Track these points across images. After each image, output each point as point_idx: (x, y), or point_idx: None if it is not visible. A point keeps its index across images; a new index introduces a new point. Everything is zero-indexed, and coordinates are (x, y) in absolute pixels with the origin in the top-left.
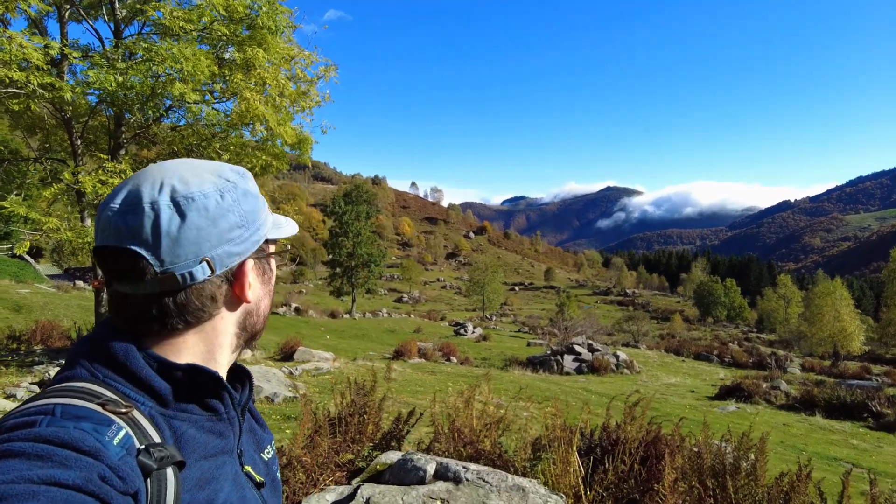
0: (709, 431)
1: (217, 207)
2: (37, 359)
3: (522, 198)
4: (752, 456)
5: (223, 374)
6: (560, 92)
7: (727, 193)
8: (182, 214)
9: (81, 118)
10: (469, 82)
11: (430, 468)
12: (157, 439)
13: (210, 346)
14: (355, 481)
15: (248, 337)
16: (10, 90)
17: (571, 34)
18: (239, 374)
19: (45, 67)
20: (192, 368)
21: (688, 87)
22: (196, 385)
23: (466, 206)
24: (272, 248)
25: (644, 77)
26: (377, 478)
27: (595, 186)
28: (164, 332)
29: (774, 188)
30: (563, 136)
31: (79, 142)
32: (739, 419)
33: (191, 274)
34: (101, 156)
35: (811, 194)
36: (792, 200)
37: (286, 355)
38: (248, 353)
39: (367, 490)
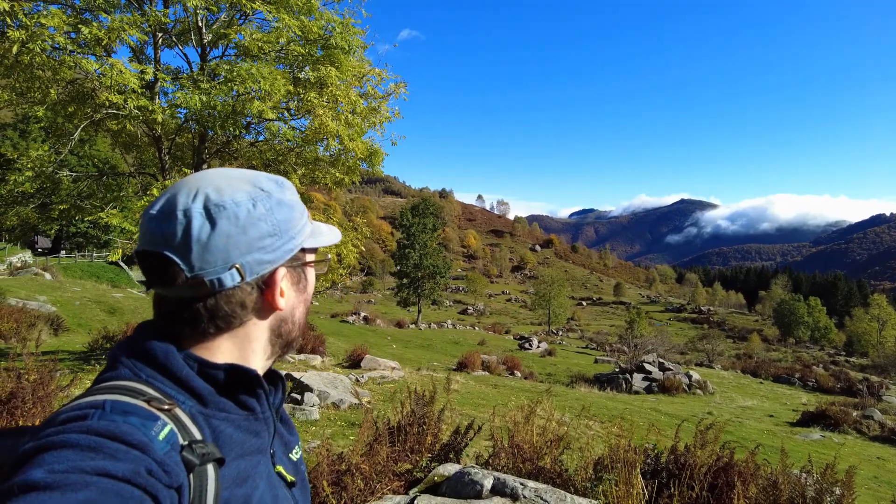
0: (787, 460)
1: (248, 216)
2: None
3: (591, 210)
4: (838, 490)
5: None
6: (631, 103)
7: (808, 207)
8: (213, 222)
9: (169, 136)
10: (538, 96)
11: (488, 483)
12: (198, 436)
13: (244, 351)
14: (412, 491)
15: (284, 344)
16: (110, 112)
17: (643, 49)
18: (272, 377)
19: (139, 91)
20: (231, 368)
21: (766, 94)
22: (234, 384)
23: (533, 218)
24: (310, 257)
25: (718, 85)
26: (434, 489)
27: (668, 199)
28: (197, 335)
29: (864, 201)
30: (634, 147)
31: (166, 157)
32: (824, 449)
33: (220, 280)
34: (186, 171)
35: None
36: (887, 214)
37: (354, 363)
38: (318, 360)
39: (424, 501)
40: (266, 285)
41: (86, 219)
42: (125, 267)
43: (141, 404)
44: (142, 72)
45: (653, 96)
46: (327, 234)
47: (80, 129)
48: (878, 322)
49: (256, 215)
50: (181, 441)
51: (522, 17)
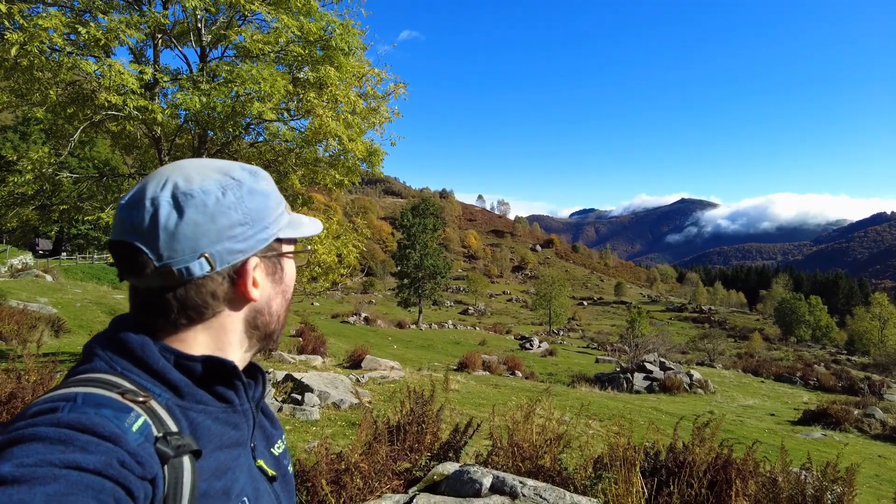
0: (788, 458)
1: (217, 204)
2: None
3: (592, 210)
4: (839, 488)
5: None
6: (631, 102)
7: (809, 206)
8: (180, 210)
9: (169, 137)
10: (538, 95)
11: (487, 482)
12: (174, 428)
13: (219, 343)
14: (412, 490)
15: (262, 336)
16: (109, 113)
17: (643, 49)
18: (252, 370)
19: (139, 91)
20: (208, 360)
21: (766, 93)
22: (211, 376)
23: (533, 218)
24: (286, 248)
25: (718, 84)
26: (433, 488)
27: (668, 199)
28: (170, 326)
29: (865, 200)
30: (634, 146)
31: (166, 159)
32: (825, 447)
33: (188, 269)
34: None
35: None
36: (888, 212)
37: (354, 363)
38: (318, 360)
39: (423, 500)
40: (238, 275)
41: (86, 219)
42: None
43: (114, 396)
44: (141, 72)
45: (653, 95)
46: (307, 225)
47: (79, 131)
48: (880, 321)
49: (226, 204)
50: (155, 433)
51: (522, 17)
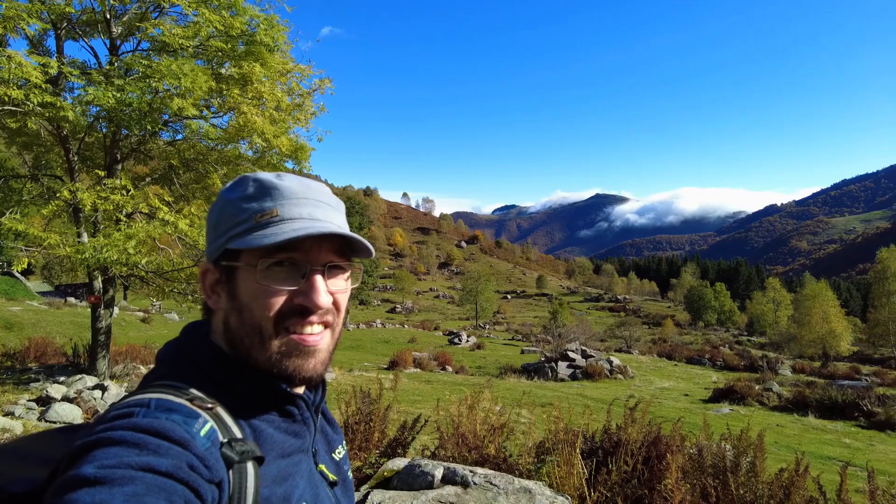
0: (708, 431)
1: (211, 214)
2: (32, 376)
3: (513, 206)
4: (751, 454)
5: None
6: (548, 99)
7: (711, 199)
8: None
9: (78, 135)
10: (459, 94)
11: (438, 473)
12: (238, 435)
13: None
14: (364, 488)
15: (244, 359)
16: (6, 108)
17: (558, 45)
18: None
19: (43, 86)
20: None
21: (671, 90)
22: (272, 391)
23: (458, 215)
24: (246, 260)
25: (627, 82)
26: (385, 484)
27: (584, 194)
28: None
29: (760, 193)
30: (551, 143)
31: (75, 158)
32: (734, 420)
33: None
34: (98, 172)
35: (797, 198)
36: (778, 204)
37: None
38: None
39: (377, 496)
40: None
41: None
42: (21, 277)
43: (184, 402)
44: (45, 65)
45: (566, 91)
46: (279, 234)
47: None
48: (774, 304)
49: (211, 210)
50: (221, 438)
51: (439, 15)
